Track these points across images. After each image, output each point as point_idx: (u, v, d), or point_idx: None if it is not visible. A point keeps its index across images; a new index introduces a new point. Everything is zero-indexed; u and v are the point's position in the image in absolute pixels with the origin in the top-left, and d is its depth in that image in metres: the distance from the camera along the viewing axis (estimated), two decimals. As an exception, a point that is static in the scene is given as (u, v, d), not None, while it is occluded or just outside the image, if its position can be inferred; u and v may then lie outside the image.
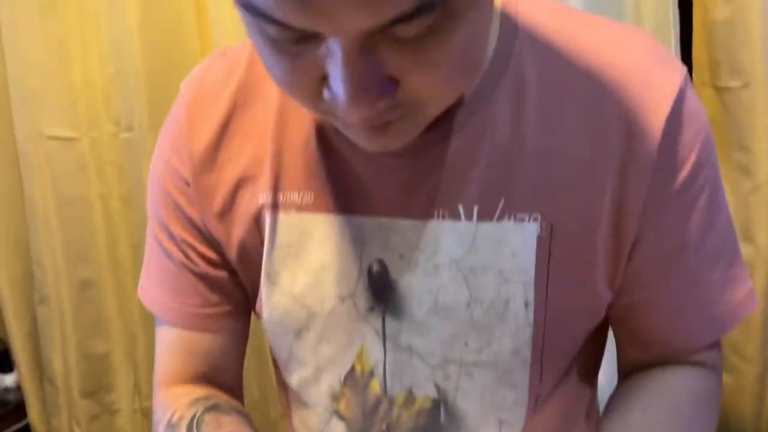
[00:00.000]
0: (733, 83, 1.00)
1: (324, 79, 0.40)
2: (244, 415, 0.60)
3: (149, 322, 1.42)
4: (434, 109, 0.44)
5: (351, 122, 0.42)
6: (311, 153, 0.55)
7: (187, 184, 0.58)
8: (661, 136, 0.48)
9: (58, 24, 1.34)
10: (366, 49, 0.37)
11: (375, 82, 0.38)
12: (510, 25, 0.51)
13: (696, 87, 1.05)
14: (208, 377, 0.63)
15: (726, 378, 1.08)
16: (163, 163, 0.59)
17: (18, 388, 1.52)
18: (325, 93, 0.40)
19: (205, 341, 0.62)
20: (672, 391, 0.56)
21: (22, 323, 1.47)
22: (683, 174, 0.50)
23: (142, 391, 1.50)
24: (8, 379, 1.55)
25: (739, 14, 0.97)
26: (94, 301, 1.46)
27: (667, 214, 0.51)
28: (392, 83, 0.39)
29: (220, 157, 0.57)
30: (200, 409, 0.57)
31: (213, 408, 0.58)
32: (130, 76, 1.31)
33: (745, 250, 1.02)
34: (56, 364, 1.45)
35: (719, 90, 1.02)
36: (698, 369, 0.57)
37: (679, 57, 1.08)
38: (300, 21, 0.35)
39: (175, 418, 0.57)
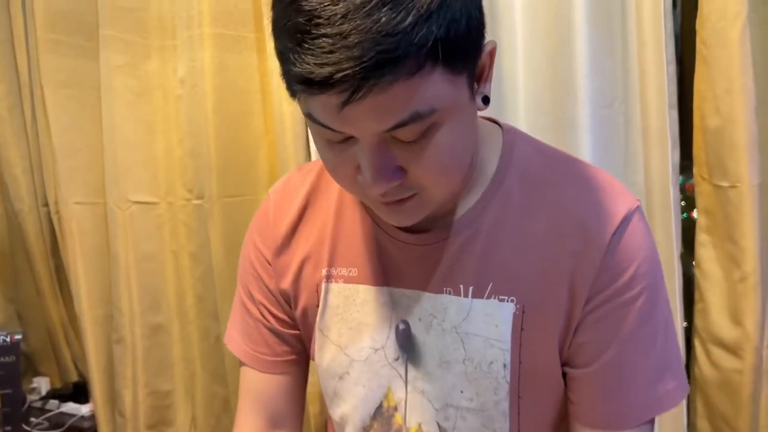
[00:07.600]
0: (724, 183, 1.08)
1: (357, 168, 0.57)
2: None
3: (207, 364, 1.54)
4: (435, 194, 0.60)
5: (374, 198, 0.59)
6: (358, 239, 0.71)
7: (269, 263, 0.76)
8: (604, 252, 0.63)
9: (147, 107, 1.48)
10: (381, 147, 0.54)
11: (388, 169, 0.56)
12: (506, 158, 0.68)
13: (696, 181, 1.17)
14: (274, 420, 0.78)
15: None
16: (251, 244, 0.77)
17: (92, 418, 1.59)
18: (358, 177, 0.57)
19: (271, 381, 0.78)
20: None
21: (100, 360, 1.55)
22: (621, 281, 0.63)
23: (198, 426, 1.57)
24: (84, 409, 1.63)
25: (728, 125, 1.05)
26: (162, 344, 1.55)
27: (604, 308, 0.64)
28: (401, 171, 0.56)
29: (294, 241, 0.75)
30: None
31: None
32: (203, 153, 1.43)
33: (734, 332, 1.09)
34: (127, 398, 1.53)
35: (714, 186, 1.10)
36: None
37: (679, 153, 1.18)
38: (338, 126, 0.52)
39: None
